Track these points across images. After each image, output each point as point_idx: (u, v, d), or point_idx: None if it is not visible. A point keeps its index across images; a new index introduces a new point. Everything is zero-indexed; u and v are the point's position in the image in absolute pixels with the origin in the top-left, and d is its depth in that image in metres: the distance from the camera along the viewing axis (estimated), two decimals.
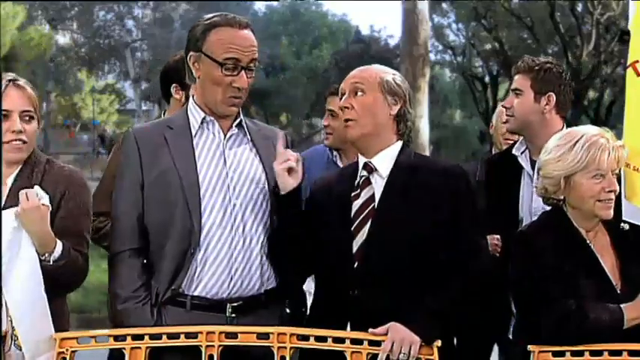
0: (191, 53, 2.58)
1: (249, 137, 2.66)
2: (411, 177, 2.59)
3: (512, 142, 4.18)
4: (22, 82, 2.65)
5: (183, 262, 2.52)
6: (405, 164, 2.62)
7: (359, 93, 2.60)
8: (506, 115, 3.31)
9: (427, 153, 10.23)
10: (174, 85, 3.72)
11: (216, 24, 2.56)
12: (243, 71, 2.55)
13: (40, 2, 34.61)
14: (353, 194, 2.61)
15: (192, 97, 2.67)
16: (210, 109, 2.61)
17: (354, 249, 2.55)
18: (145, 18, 39.93)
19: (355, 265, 2.54)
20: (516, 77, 3.28)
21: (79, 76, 39.29)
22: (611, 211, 2.51)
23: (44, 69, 35.19)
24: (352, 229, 2.57)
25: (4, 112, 2.53)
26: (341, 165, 3.72)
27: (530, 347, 2.39)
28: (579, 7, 23.95)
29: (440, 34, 29.11)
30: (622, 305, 2.42)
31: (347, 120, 2.61)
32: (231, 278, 2.54)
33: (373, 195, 2.59)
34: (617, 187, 2.50)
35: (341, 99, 2.66)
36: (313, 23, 37.53)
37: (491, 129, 4.43)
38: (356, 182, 2.63)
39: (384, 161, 2.62)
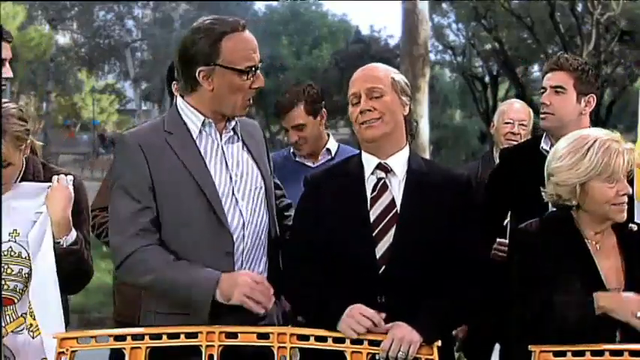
0: (201, 68, 2.48)
1: (239, 136, 2.65)
2: (424, 181, 2.59)
3: (514, 142, 4.19)
4: None
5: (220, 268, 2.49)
6: (417, 168, 2.62)
7: (377, 95, 2.58)
8: (544, 111, 3.23)
9: (427, 153, 10.23)
10: (174, 82, 3.67)
11: (223, 32, 2.48)
12: (257, 71, 2.54)
13: (40, 2, 34.64)
14: (370, 197, 2.58)
15: (184, 100, 2.58)
16: (218, 114, 2.56)
17: (378, 255, 2.53)
18: (145, 18, 39.98)
19: (381, 271, 2.52)
20: (556, 74, 3.21)
21: (79, 76, 39.34)
22: (625, 214, 2.52)
23: (44, 69, 35.23)
24: (374, 234, 2.54)
25: None
26: (304, 162, 3.67)
27: (531, 347, 2.39)
28: (579, 7, 23.94)
29: (440, 34, 29.13)
30: (596, 293, 2.43)
31: (369, 121, 2.57)
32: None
33: (393, 199, 2.58)
34: (630, 190, 2.51)
35: (355, 102, 2.61)
36: (313, 23, 37.57)
37: (491, 129, 4.43)
38: (372, 184, 2.60)
39: (398, 164, 2.61)
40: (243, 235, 2.53)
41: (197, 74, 2.49)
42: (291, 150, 3.77)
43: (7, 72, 3.21)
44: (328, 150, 3.73)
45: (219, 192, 2.51)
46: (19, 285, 2.61)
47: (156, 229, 2.48)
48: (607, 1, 21.81)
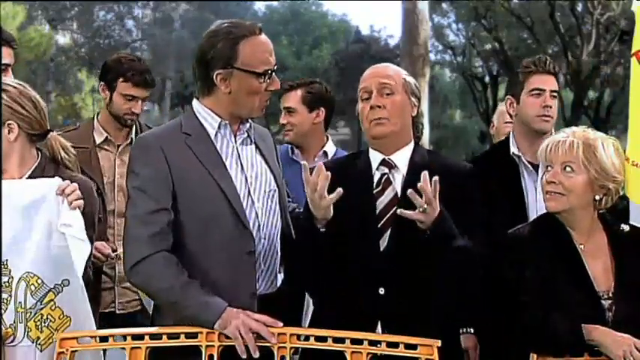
0: (218, 71, 2.51)
1: (252, 139, 2.67)
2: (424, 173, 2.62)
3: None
4: None
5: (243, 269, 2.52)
6: (420, 161, 2.67)
7: (388, 93, 2.64)
8: (549, 114, 3.27)
9: None
10: (101, 82, 3.70)
11: (241, 35, 2.51)
12: (273, 74, 2.57)
13: (40, 2, 34.62)
14: (375, 192, 2.63)
15: (199, 102, 2.60)
16: (234, 116, 2.58)
17: (382, 247, 2.57)
18: (145, 18, 39.93)
19: (382, 263, 2.55)
20: (550, 78, 3.28)
21: (79, 76, 39.27)
22: (554, 204, 2.53)
23: (44, 69, 35.22)
24: (379, 226, 2.59)
25: None
26: (300, 161, 3.70)
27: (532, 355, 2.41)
28: (579, 7, 23.94)
29: (440, 34, 29.11)
30: (586, 325, 2.41)
31: (378, 118, 2.63)
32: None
33: (397, 194, 2.62)
34: (559, 180, 2.51)
35: (366, 97, 2.67)
36: (313, 23, 37.53)
37: (491, 129, 4.43)
38: (376, 179, 2.65)
39: (402, 159, 2.67)
40: (260, 237, 2.55)
41: (214, 77, 2.51)
42: (290, 147, 3.79)
43: (10, 78, 3.21)
44: (325, 153, 3.73)
45: (240, 194, 2.53)
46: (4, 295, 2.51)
47: (170, 232, 2.47)
48: (607, 1, 21.81)
